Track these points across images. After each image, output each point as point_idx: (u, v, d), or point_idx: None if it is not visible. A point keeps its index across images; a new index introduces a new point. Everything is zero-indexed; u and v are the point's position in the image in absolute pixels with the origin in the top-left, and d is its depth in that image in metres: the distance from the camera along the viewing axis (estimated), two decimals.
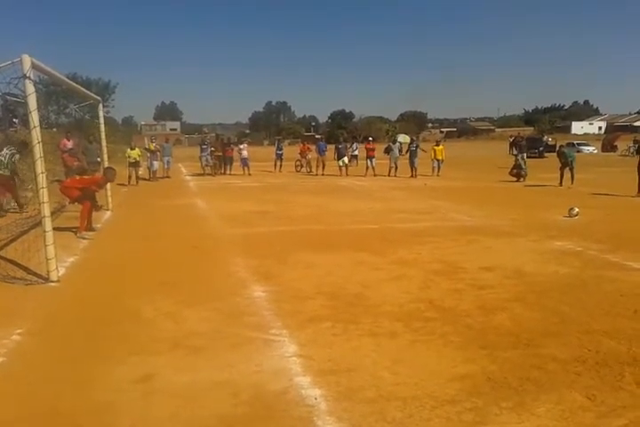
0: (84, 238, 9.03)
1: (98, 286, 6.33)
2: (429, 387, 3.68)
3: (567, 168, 17.73)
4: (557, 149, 19.83)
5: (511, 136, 43.09)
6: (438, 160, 23.05)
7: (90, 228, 9.66)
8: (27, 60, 5.98)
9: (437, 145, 23.54)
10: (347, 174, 23.45)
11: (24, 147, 11.67)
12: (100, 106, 12.99)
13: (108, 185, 12.75)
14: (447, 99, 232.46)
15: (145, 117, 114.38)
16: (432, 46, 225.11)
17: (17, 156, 12.03)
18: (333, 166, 24.46)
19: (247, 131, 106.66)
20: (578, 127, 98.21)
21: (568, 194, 15.68)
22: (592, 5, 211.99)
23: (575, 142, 49.59)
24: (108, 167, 10.85)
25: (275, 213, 12.34)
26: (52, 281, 6.30)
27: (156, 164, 22.27)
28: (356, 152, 24.88)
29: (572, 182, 17.44)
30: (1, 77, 6.14)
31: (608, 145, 49.25)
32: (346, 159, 23.92)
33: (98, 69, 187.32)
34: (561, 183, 17.71)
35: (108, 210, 12.55)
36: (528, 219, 11.05)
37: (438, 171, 22.94)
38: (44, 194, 6.24)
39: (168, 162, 23.29)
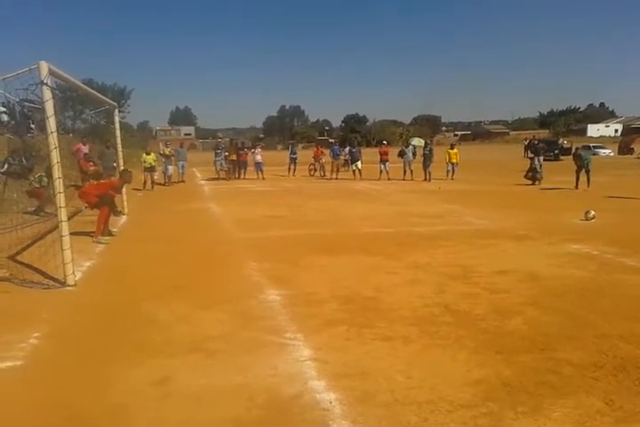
0: (100, 243, 9.10)
1: (114, 289, 6.38)
2: (444, 391, 3.67)
3: (583, 171, 17.61)
4: (573, 151, 19.67)
5: (526, 139, 42.82)
6: (453, 164, 22.96)
7: (107, 232, 9.73)
8: (44, 67, 6.06)
9: (452, 148, 23.47)
10: (360, 178, 23.43)
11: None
12: (116, 111, 13.11)
13: (124, 190, 12.88)
14: (461, 102, 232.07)
15: (160, 122, 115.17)
16: (446, 49, 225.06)
17: (45, 179, 12.50)
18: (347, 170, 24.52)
19: (261, 135, 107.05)
20: (594, 130, 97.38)
21: (584, 197, 15.54)
22: (608, 7, 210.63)
23: (591, 145, 49.23)
24: (124, 170, 10.99)
25: (289, 217, 12.37)
26: (69, 285, 6.37)
27: (170, 168, 22.38)
28: (348, 156, 24.97)
29: (588, 185, 17.31)
30: (19, 84, 6.23)
31: (625, 148, 48.69)
32: (359, 164, 23.92)
33: (113, 75, 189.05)
34: (577, 186, 17.58)
35: (123, 214, 12.66)
36: (543, 222, 10.97)
37: (453, 174, 22.85)
38: (61, 199, 6.31)
39: (183, 167, 23.42)
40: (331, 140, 30.11)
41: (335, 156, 25.11)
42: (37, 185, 12.96)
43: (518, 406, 3.46)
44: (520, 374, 3.93)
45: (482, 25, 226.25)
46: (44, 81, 6.07)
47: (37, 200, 12.65)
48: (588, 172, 17.52)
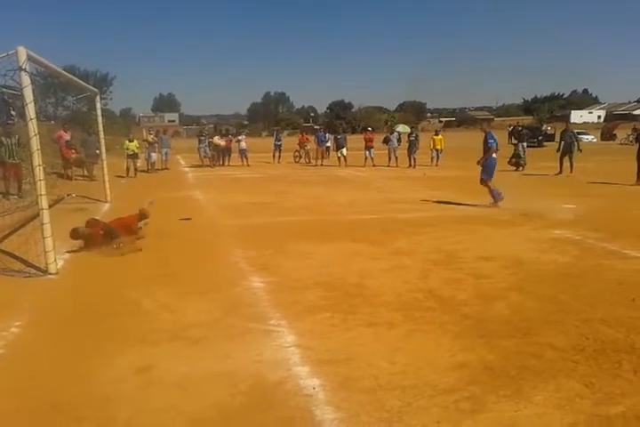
0: None
1: (96, 277, 6.33)
2: (428, 376, 3.69)
3: (566, 157, 17.72)
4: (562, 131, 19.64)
5: (510, 125, 43.23)
6: (437, 150, 23.02)
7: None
8: (22, 53, 5.95)
9: (436, 135, 23.54)
10: (345, 165, 23.41)
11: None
12: (98, 98, 12.92)
13: (106, 177, 12.79)
14: (446, 88, 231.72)
15: (143, 109, 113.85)
16: (431, 36, 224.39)
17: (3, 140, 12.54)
18: (332, 157, 24.49)
19: (245, 122, 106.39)
20: (577, 116, 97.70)
21: (566, 182, 15.67)
22: None
23: (575, 131, 49.56)
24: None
25: (274, 203, 12.33)
26: (51, 273, 6.31)
27: (154, 155, 22.23)
28: (328, 143, 24.98)
29: (572, 171, 17.43)
30: None
31: (607, 134, 49.15)
32: (344, 150, 23.88)
33: (95, 61, 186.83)
34: (560, 171, 17.69)
35: (106, 202, 12.55)
36: (527, 208, 11.02)
37: (437, 161, 22.92)
38: (42, 186, 6.23)
39: (166, 153, 23.27)
40: (316, 127, 29.89)
41: (320, 142, 25.04)
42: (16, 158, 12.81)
43: (500, 389, 3.49)
44: (502, 358, 3.97)
45: (467, 12, 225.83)
46: (23, 67, 5.96)
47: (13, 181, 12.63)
48: (570, 158, 17.63)
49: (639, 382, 3.57)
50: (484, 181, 11.51)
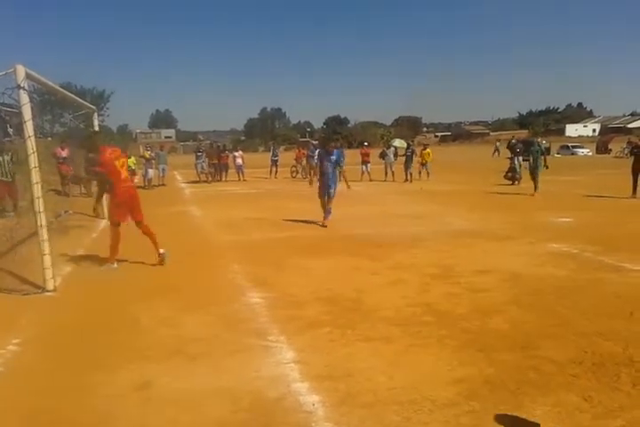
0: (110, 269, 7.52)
1: (95, 294, 6.32)
2: (427, 391, 3.69)
3: (533, 173, 16.34)
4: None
5: (498, 140, 46.25)
6: (423, 164, 23.04)
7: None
8: (20, 71, 5.98)
9: (424, 149, 23.56)
10: (341, 180, 23.40)
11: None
12: (95, 115, 12.96)
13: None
14: (442, 103, 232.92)
15: (140, 125, 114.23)
16: (427, 51, 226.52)
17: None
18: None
19: (242, 137, 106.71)
20: (572, 130, 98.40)
21: (563, 196, 15.71)
22: (585, 8, 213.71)
23: (570, 145, 50.14)
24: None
25: (271, 219, 12.34)
26: (49, 290, 6.28)
27: (151, 172, 22.29)
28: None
29: (535, 190, 16.25)
30: None
31: (602, 147, 49.45)
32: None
33: (92, 78, 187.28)
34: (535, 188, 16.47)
35: (103, 218, 12.52)
36: (523, 221, 11.07)
37: (427, 175, 22.95)
38: (40, 203, 6.23)
39: (163, 170, 23.31)
40: (314, 142, 29.80)
41: (308, 158, 25.08)
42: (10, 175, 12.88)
43: (500, 404, 3.49)
44: (502, 372, 3.97)
45: (463, 27, 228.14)
46: (21, 85, 6.00)
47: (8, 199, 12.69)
48: (536, 175, 16.24)
49: (638, 396, 3.58)
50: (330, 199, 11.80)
